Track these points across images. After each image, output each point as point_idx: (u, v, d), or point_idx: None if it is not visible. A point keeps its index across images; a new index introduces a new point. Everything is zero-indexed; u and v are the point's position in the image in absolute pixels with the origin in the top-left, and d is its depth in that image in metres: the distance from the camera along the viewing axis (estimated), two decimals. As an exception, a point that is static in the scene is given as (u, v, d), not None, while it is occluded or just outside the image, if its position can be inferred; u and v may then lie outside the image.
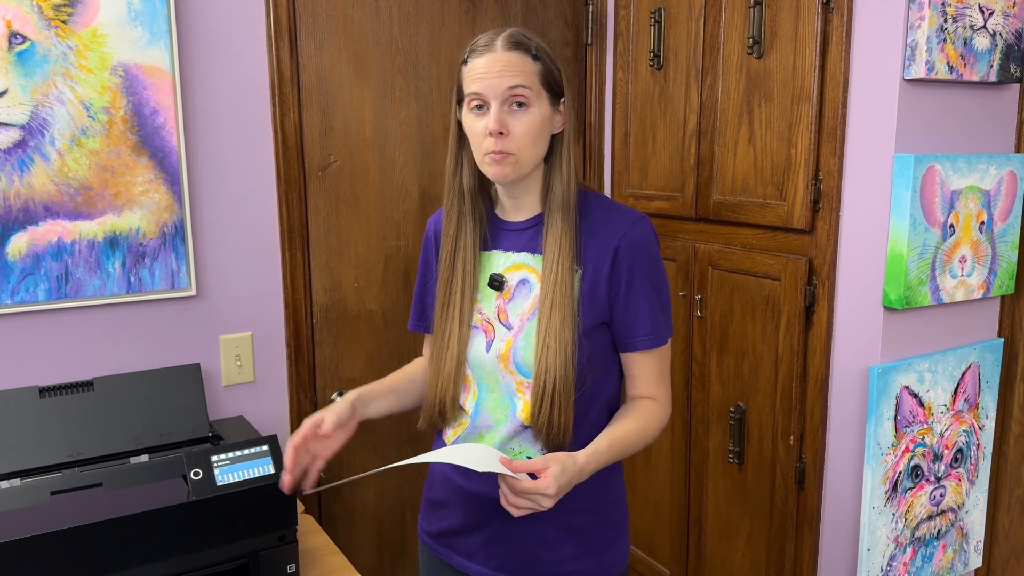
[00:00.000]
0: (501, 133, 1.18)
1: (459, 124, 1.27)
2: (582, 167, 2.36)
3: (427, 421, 1.36)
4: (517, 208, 1.30)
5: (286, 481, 1.21)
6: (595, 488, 1.27)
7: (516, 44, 1.20)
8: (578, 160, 2.32)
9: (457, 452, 1.17)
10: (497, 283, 1.28)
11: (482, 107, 1.20)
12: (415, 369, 1.46)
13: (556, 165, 1.26)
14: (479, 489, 1.29)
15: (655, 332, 1.25)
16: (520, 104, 1.19)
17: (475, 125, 1.21)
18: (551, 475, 1.10)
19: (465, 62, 1.23)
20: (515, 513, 1.11)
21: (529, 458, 1.26)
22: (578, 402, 1.24)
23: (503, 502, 1.12)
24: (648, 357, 1.27)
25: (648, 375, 1.28)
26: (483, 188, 1.32)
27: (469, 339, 1.29)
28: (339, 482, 1.27)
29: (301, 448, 1.22)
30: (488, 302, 1.29)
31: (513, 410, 1.26)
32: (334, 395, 2.02)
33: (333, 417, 1.24)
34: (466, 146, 1.28)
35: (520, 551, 1.29)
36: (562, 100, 1.25)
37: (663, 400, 1.30)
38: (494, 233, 1.32)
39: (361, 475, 1.26)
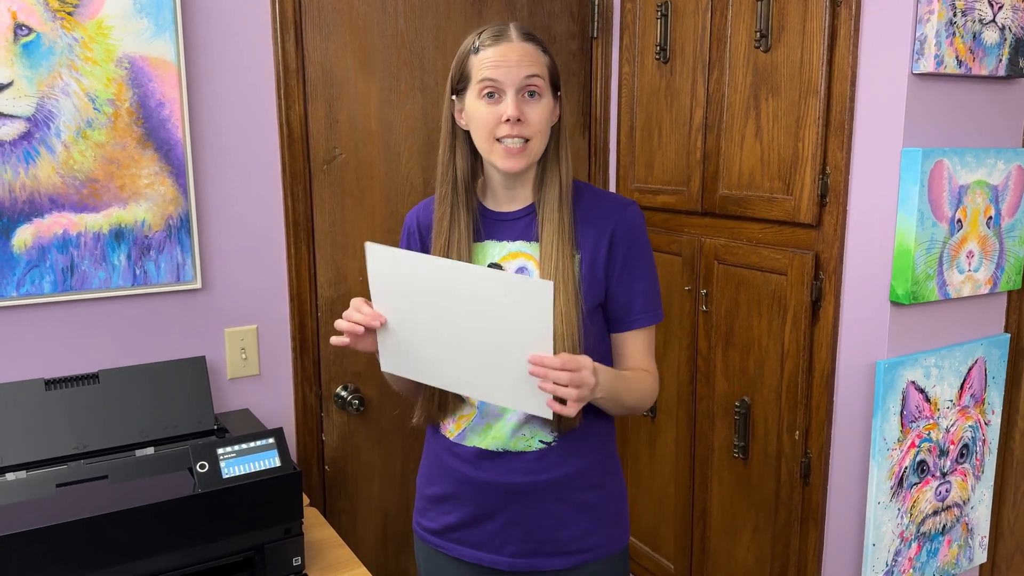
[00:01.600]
0: (519, 120, 1.21)
1: (452, 114, 1.31)
2: (586, 160, 2.36)
3: (424, 415, 1.37)
4: (511, 199, 1.32)
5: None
6: (600, 463, 1.33)
7: (530, 36, 1.24)
8: (573, 152, 2.34)
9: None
10: None
11: (493, 95, 1.22)
12: None
13: (553, 156, 1.29)
14: (492, 478, 1.31)
15: (652, 310, 1.33)
16: (533, 93, 1.22)
17: (487, 112, 1.22)
18: (579, 356, 1.12)
19: (476, 51, 1.24)
20: (570, 410, 1.10)
21: (542, 441, 1.29)
22: None
23: (548, 401, 1.10)
24: (640, 335, 1.33)
25: (639, 352, 1.34)
26: (472, 179, 1.34)
27: None
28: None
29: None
30: None
31: None
32: (339, 388, 2.02)
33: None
34: (459, 136, 1.31)
35: (536, 532, 1.31)
36: (559, 94, 1.29)
37: (653, 372, 1.36)
38: (485, 224, 1.33)
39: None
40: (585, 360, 1.12)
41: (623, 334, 1.33)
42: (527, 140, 1.22)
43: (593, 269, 1.28)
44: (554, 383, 1.09)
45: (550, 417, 1.16)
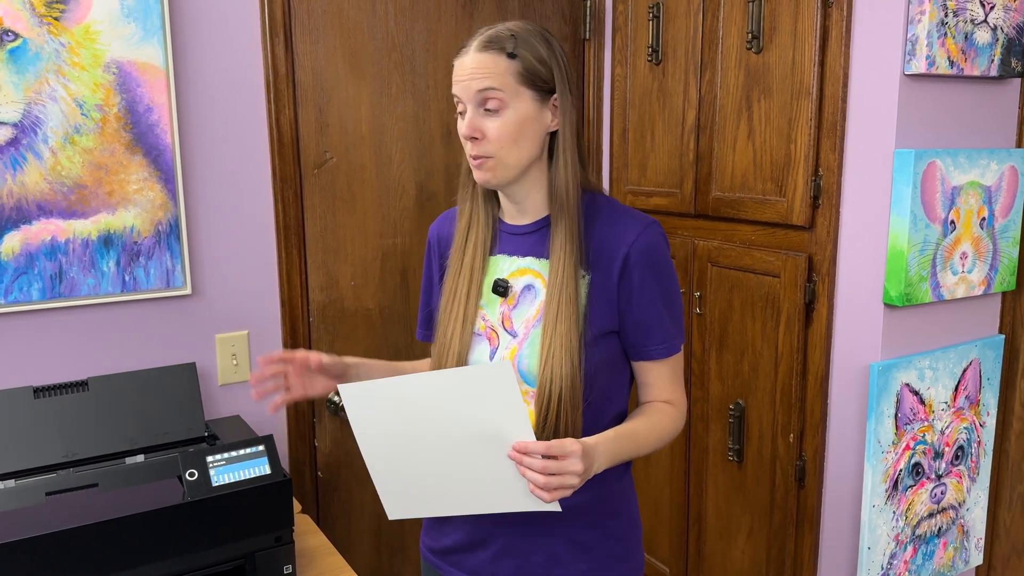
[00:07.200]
0: (475, 138, 1.16)
1: None
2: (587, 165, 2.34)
3: None
4: (520, 211, 1.26)
5: (252, 381, 1.28)
6: (604, 501, 1.24)
7: (489, 44, 1.15)
8: (583, 158, 2.29)
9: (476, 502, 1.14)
10: (501, 289, 1.23)
11: (464, 111, 1.18)
12: (426, 365, 1.42)
13: (554, 165, 1.21)
14: None
15: (668, 341, 1.22)
16: (493, 107, 1.15)
17: (459, 127, 1.20)
18: (567, 441, 1.05)
19: (455, 63, 1.20)
20: (547, 497, 1.04)
21: None
22: (586, 413, 1.19)
23: (531, 488, 1.04)
24: (662, 365, 1.24)
25: (662, 382, 1.25)
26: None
27: (471, 343, 1.24)
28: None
29: (278, 363, 1.27)
30: (492, 308, 1.25)
31: None
32: (331, 394, 2.00)
33: (327, 358, 1.28)
34: None
35: (527, 567, 1.25)
36: (554, 96, 1.19)
37: (678, 403, 1.26)
38: (500, 237, 1.27)
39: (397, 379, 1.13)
40: (571, 446, 1.04)
41: (643, 363, 1.24)
42: (491, 156, 1.17)
43: (604, 292, 1.19)
44: (534, 471, 1.02)
45: (559, 510, 1.09)
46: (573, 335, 1.16)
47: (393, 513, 1.19)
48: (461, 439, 1.08)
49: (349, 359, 1.33)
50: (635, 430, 1.19)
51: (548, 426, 1.17)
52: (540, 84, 1.17)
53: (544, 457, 1.03)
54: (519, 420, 1.04)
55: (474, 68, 1.15)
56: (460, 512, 1.17)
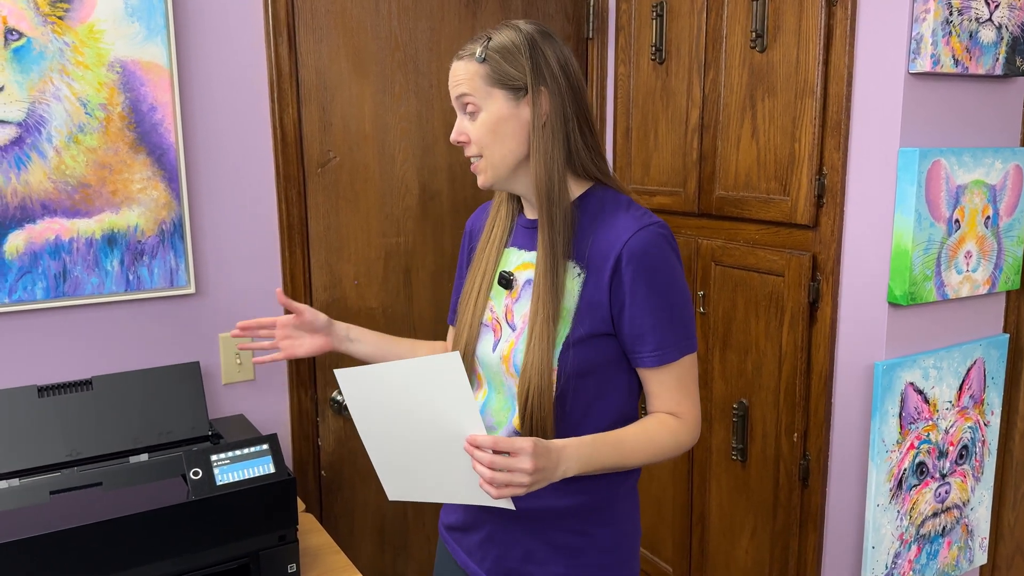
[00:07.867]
0: (461, 141, 1.21)
1: None
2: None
3: None
4: (531, 206, 1.27)
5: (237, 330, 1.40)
6: (595, 508, 1.22)
7: (464, 50, 1.20)
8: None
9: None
10: (505, 281, 1.25)
11: None
12: (426, 346, 1.46)
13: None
14: None
15: (661, 348, 1.15)
16: (470, 110, 1.20)
17: None
18: (520, 439, 1.03)
19: None
20: (493, 493, 1.02)
21: None
22: (570, 414, 1.18)
23: (480, 483, 1.04)
24: (663, 373, 1.17)
25: (665, 392, 1.18)
26: None
27: (479, 335, 1.27)
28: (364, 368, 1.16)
29: (264, 325, 1.39)
30: (499, 300, 1.27)
31: (512, 414, 1.22)
32: (335, 393, 2.01)
33: (311, 313, 1.39)
34: None
35: (508, 560, 1.26)
36: (526, 95, 1.17)
37: (686, 415, 1.19)
38: (517, 230, 1.30)
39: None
40: (521, 443, 1.01)
41: (642, 371, 1.18)
42: (481, 156, 1.20)
43: (596, 293, 1.16)
44: (483, 466, 1.01)
45: (512, 507, 1.08)
46: (545, 332, 1.16)
47: (392, 494, 1.21)
48: (428, 429, 1.09)
49: (342, 323, 1.43)
50: (621, 438, 1.15)
51: (526, 423, 1.18)
52: (511, 83, 1.17)
53: (496, 453, 1.02)
54: (470, 412, 1.04)
55: (453, 76, 1.21)
56: (442, 500, 1.19)
